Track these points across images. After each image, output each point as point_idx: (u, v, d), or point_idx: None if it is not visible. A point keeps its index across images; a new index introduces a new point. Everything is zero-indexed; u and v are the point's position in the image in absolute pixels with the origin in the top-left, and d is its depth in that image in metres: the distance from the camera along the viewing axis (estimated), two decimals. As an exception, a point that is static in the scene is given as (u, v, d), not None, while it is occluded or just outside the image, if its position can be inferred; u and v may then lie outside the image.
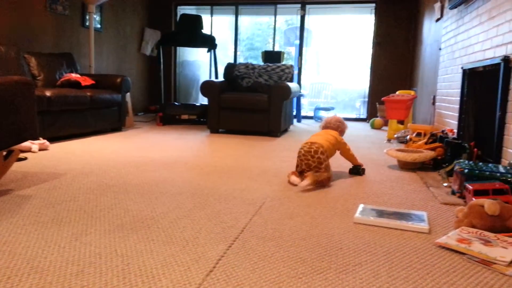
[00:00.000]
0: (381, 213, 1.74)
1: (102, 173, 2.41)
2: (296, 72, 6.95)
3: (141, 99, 7.01)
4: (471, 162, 2.27)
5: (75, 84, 4.13)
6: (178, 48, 7.38)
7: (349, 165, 2.68)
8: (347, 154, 2.58)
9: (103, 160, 2.80)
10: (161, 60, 5.90)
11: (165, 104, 5.43)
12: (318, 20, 8.33)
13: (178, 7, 7.25)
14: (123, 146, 3.47)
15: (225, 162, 2.87)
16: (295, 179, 2.25)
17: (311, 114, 7.11)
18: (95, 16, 5.52)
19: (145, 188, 2.10)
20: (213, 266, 1.21)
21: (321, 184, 2.22)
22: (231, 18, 7.18)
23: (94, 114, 4.04)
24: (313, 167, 2.26)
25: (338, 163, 2.81)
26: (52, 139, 3.56)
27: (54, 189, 2.02)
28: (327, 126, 2.67)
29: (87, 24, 5.27)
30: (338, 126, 2.64)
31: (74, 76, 4.21)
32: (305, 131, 5.18)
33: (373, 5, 6.54)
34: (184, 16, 5.64)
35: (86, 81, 4.24)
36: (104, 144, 3.52)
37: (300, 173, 2.31)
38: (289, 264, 1.25)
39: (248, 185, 2.24)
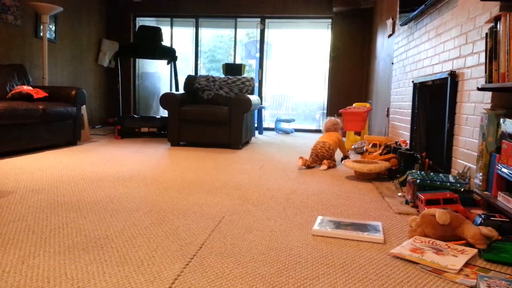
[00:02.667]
0: (338, 225, 1.77)
1: (53, 191, 2.30)
2: (257, 84, 7.01)
3: (99, 111, 6.81)
4: (423, 173, 2.37)
5: (26, 96, 3.95)
6: (137, 59, 7.26)
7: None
8: (343, 148, 3.68)
9: (56, 177, 2.69)
10: (119, 72, 5.77)
11: (123, 117, 5.29)
12: (278, 34, 8.49)
13: (137, 19, 7.15)
14: (78, 161, 3.34)
15: (184, 176, 2.83)
16: (299, 164, 3.30)
17: (273, 126, 7.17)
18: (50, 26, 5.34)
19: (99, 205, 2.03)
20: (169, 286, 1.18)
21: (331, 167, 3.35)
22: (192, 30, 7.17)
23: (47, 128, 3.87)
24: (327, 157, 3.40)
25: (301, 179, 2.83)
26: (0, 155, 3.37)
27: (1, 209, 1.91)
28: (329, 129, 3.74)
29: (40, 34, 5.09)
30: (336, 128, 3.74)
31: (26, 88, 4.03)
32: (267, 143, 5.21)
33: (330, 20, 6.74)
34: (142, 27, 5.56)
35: (39, 94, 4.07)
36: (57, 160, 3.38)
37: (312, 161, 3.39)
38: (247, 281, 1.23)
39: (208, 199, 2.21)
